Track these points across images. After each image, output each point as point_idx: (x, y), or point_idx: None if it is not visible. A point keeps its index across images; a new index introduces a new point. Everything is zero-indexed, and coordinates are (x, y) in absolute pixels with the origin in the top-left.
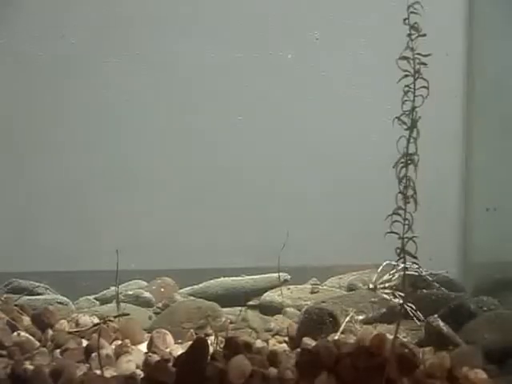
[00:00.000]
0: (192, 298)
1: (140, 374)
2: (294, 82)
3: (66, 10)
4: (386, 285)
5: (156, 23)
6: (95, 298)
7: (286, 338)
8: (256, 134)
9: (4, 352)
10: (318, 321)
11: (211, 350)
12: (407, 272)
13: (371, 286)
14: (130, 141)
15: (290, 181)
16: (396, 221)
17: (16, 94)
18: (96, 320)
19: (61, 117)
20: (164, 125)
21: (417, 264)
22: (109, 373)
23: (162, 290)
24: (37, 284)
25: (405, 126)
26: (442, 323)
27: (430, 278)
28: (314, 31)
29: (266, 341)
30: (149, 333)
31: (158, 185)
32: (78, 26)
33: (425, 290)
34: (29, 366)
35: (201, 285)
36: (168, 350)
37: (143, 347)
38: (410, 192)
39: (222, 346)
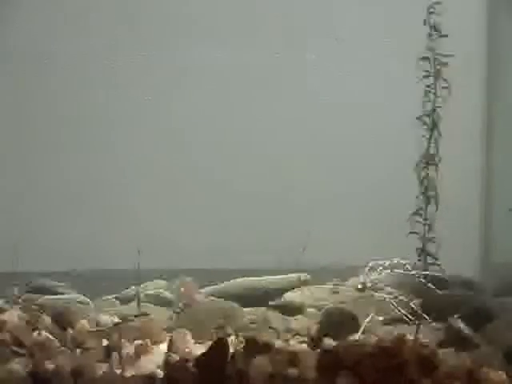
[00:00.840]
0: (212, 297)
1: (160, 373)
2: (316, 82)
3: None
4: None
5: (177, 25)
6: (115, 298)
7: (307, 338)
8: (277, 133)
9: (25, 351)
10: (339, 321)
11: (232, 350)
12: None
13: (360, 286)
14: (150, 140)
15: (312, 181)
16: (417, 221)
17: (28, 92)
18: (116, 319)
19: (81, 117)
20: (185, 125)
21: (438, 264)
22: (129, 372)
23: (183, 289)
24: (58, 283)
25: (425, 127)
26: (462, 324)
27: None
28: (336, 32)
29: (287, 341)
30: (169, 333)
31: (178, 185)
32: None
33: (445, 291)
34: (49, 365)
35: (222, 285)
36: (188, 349)
37: (163, 347)
38: (431, 193)
39: (242, 346)
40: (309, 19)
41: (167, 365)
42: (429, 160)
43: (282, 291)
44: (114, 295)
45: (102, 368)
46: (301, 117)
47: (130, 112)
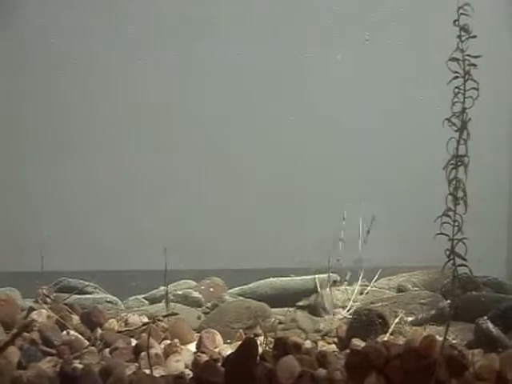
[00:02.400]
0: (241, 298)
1: (189, 373)
2: (344, 83)
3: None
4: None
5: (201, 24)
6: (144, 298)
7: (335, 339)
8: (307, 133)
9: (53, 351)
10: (368, 322)
11: (260, 350)
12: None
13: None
14: (179, 140)
15: (339, 181)
16: (446, 222)
17: (59, 91)
18: (145, 319)
19: (107, 118)
20: (216, 124)
21: (466, 265)
22: (158, 372)
23: (211, 289)
24: (86, 283)
25: (455, 128)
26: (491, 325)
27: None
28: (364, 32)
29: (315, 341)
30: (198, 332)
31: (206, 185)
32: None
33: (474, 292)
34: (78, 364)
35: (250, 285)
36: (217, 349)
37: (192, 347)
38: (459, 193)
39: (271, 346)
40: (337, 19)
41: (196, 365)
42: (458, 161)
43: (310, 291)
44: (143, 295)
45: (130, 368)
46: (326, 116)
47: (154, 112)
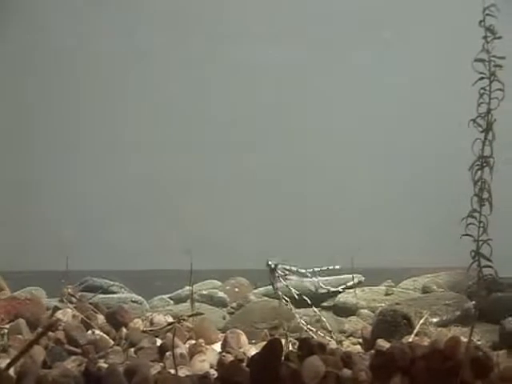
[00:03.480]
0: (266, 298)
1: (214, 373)
2: (370, 82)
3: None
4: None
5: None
6: (169, 298)
7: (360, 340)
8: (333, 133)
9: (78, 350)
10: (393, 323)
11: (285, 350)
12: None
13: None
14: (202, 142)
15: (365, 183)
16: (471, 223)
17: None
18: (170, 319)
19: (134, 118)
20: (237, 126)
21: (491, 266)
22: (183, 372)
23: (237, 290)
24: (111, 282)
25: (480, 129)
26: None
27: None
28: (385, 31)
29: (340, 342)
30: (223, 332)
31: (231, 186)
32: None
33: (499, 293)
34: (103, 364)
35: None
36: (242, 350)
37: (217, 347)
38: (485, 194)
39: (295, 346)
40: (363, 20)
41: (221, 365)
42: (483, 162)
43: (335, 292)
44: (168, 295)
45: (155, 367)
46: (354, 117)
47: (183, 113)
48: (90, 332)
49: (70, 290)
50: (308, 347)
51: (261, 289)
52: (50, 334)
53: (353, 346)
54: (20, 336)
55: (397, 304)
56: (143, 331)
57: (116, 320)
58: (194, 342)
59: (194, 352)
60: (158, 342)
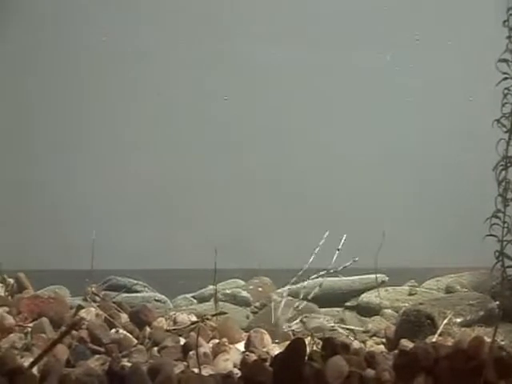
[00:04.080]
0: (290, 298)
1: (237, 373)
2: (392, 83)
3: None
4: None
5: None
6: (193, 297)
7: (384, 340)
8: (349, 133)
9: (102, 349)
10: (416, 323)
11: (308, 350)
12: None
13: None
14: (227, 141)
15: (388, 181)
16: (495, 223)
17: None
18: (194, 318)
19: (154, 117)
20: (260, 125)
21: None
22: (206, 371)
23: (260, 289)
24: (135, 281)
25: (504, 129)
26: None
27: None
28: (414, 32)
29: (364, 342)
30: (246, 332)
31: (255, 185)
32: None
33: None
34: (126, 363)
35: (298, 285)
36: (265, 349)
37: (241, 346)
38: (509, 195)
39: (319, 346)
40: (385, 19)
41: (244, 364)
42: (507, 162)
43: (359, 292)
44: (192, 294)
45: (179, 367)
46: (374, 116)
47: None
48: (113, 331)
49: (93, 289)
50: (331, 347)
51: (284, 288)
52: (74, 332)
53: (376, 346)
54: (43, 335)
55: (420, 304)
56: (167, 330)
57: (139, 319)
58: (217, 341)
59: (217, 351)
60: (182, 341)
